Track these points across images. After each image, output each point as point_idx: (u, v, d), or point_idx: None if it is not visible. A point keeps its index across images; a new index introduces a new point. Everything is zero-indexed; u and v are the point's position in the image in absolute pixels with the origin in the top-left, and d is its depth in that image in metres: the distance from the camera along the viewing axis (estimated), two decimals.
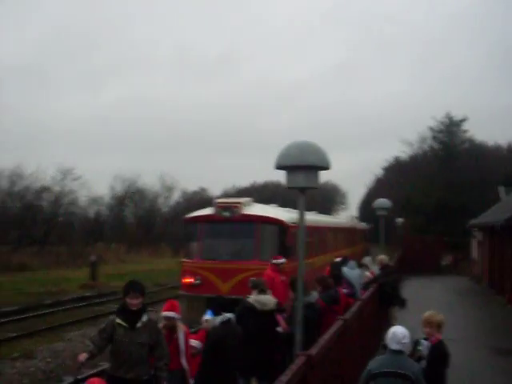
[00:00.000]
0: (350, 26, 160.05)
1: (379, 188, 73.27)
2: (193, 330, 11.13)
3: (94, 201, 69.96)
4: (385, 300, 13.59)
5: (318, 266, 18.66)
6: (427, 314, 7.40)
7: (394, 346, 6.17)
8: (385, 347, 6.50)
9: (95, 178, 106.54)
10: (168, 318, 7.92)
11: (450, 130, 54.92)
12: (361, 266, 15.14)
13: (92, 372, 12.50)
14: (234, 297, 11.43)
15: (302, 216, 7.21)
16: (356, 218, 60.66)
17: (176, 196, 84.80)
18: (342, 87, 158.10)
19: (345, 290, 11.19)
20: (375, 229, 49.96)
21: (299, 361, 5.39)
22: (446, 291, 26.60)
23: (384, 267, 14.65)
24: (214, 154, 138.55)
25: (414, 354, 7.22)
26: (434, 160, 56.66)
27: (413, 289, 25.59)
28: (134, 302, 6.73)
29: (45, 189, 60.42)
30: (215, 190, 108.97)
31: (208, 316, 8.74)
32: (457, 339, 13.79)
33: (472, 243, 36.40)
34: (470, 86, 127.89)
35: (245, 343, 7.72)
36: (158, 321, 8.08)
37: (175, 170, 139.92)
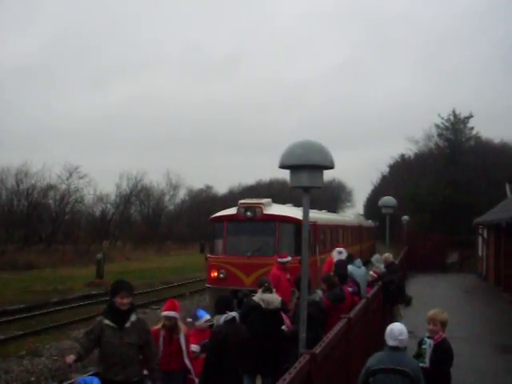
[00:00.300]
0: (354, 25, 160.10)
1: (385, 186, 73.21)
2: None
3: (100, 199, 70.24)
4: (389, 298, 13.58)
5: None
6: (432, 312, 7.44)
7: (391, 343, 6.23)
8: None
9: (101, 177, 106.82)
10: (169, 318, 7.79)
11: (456, 127, 54.85)
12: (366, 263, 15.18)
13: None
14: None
15: (306, 215, 7.21)
16: (362, 215, 60.58)
17: (182, 194, 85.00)
18: (347, 86, 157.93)
19: (350, 289, 11.19)
20: (381, 226, 50.01)
21: (303, 359, 5.40)
22: (451, 289, 26.55)
23: (389, 265, 14.64)
24: (219, 152, 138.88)
25: (420, 352, 7.26)
26: (439, 157, 56.60)
27: (419, 286, 25.58)
28: (124, 301, 6.58)
29: (51, 187, 60.65)
30: (221, 187, 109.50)
31: (207, 316, 8.74)
32: (463, 337, 13.82)
33: (478, 241, 36.31)
34: (474, 84, 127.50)
35: (250, 341, 7.74)
36: (155, 320, 7.99)
37: (181, 168, 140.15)
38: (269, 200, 18.40)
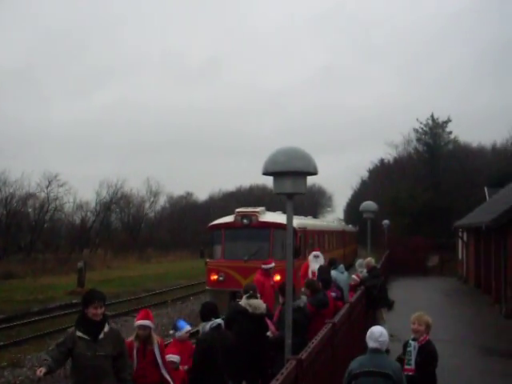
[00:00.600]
0: (336, 30, 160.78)
1: (365, 190, 73.72)
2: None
3: (80, 207, 69.82)
4: (372, 302, 13.66)
5: None
6: (417, 313, 7.53)
7: (371, 345, 6.33)
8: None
9: (81, 184, 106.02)
10: (143, 327, 7.47)
11: (435, 131, 55.29)
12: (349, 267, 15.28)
13: None
14: None
15: (290, 221, 7.24)
16: (341, 220, 60.87)
17: (162, 201, 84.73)
18: (329, 91, 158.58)
19: (333, 294, 11.23)
20: (362, 231, 50.29)
21: (290, 365, 5.43)
22: (433, 292, 26.75)
23: (371, 270, 14.72)
24: (199, 158, 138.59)
25: (405, 355, 7.32)
26: (418, 162, 57.04)
27: (400, 290, 25.75)
28: (97, 311, 6.36)
29: (30, 195, 60.19)
30: (201, 194, 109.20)
31: (188, 327, 8.68)
32: (446, 340, 13.92)
33: (458, 244, 36.63)
34: (454, 89, 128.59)
35: (236, 347, 7.74)
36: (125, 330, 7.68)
37: (161, 175, 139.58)
38: (263, 208, 20.22)
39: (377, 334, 6.33)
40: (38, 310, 24.84)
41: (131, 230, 75.46)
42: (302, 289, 10.53)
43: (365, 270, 14.86)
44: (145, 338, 7.46)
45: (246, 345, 8.20)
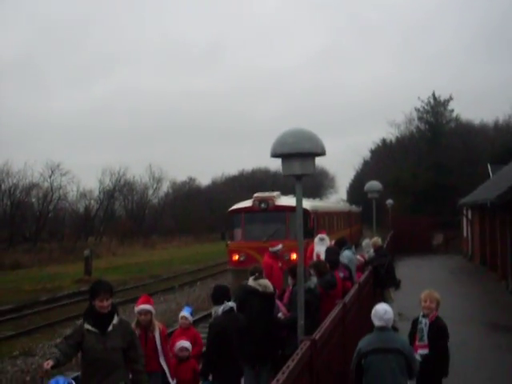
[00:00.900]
0: (335, 11, 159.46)
1: (367, 170, 73.54)
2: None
3: (84, 195, 69.96)
4: (380, 282, 13.70)
5: None
6: (427, 291, 7.59)
7: (377, 323, 6.39)
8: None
9: (84, 173, 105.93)
10: (144, 312, 7.41)
11: (436, 110, 55.12)
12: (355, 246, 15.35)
13: None
14: None
15: (299, 202, 7.26)
16: (344, 201, 60.81)
17: (165, 187, 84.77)
18: (329, 72, 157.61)
19: (341, 274, 11.25)
20: (365, 211, 50.28)
21: (304, 345, 5.47)
22: (439, 270, 26.81)
23: (378, 249, 14.75)
24: (201, 143, 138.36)
25: (415, 332, 7.40)
26: (421, 140, 56.87)
27: (406, 269, 25.80)
28: (104, 304, 6.11)
29: (33, 185, 60.28)
30: (204, 179, 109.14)
31: (184, 313, 8.74)
32: (453, 317, 13.94)
33: (463, 222, 36.64)
34: (455, 67, 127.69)
35: (248, 328, 7.78)
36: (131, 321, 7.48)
37: (163, 161, 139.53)
38: (278, 193, 21.94)
39: (381, 311, 6.39)
40: (46, 299, 24.99)
41: (135, 217, 75.58)
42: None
43: (372, 250, 14.90)
44: (146, 324, 7.41)
45: (259, 324, 8.22)
